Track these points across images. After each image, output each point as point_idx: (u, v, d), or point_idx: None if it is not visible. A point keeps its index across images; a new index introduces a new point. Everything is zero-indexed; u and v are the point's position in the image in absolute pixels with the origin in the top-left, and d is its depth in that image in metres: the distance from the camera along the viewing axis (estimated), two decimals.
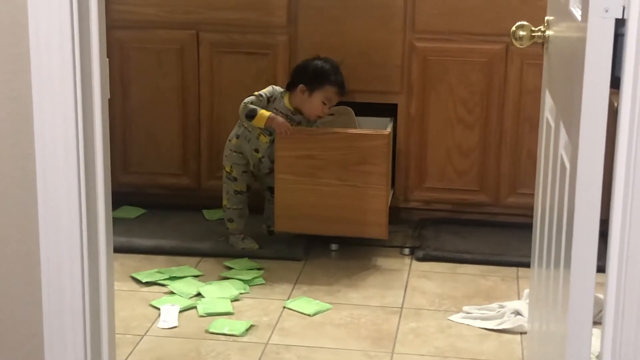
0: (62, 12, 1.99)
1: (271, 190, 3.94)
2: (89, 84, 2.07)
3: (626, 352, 1.82)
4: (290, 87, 3.82)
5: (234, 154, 3.86)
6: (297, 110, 3.81)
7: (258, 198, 4.00)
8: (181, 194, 4.31)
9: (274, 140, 3.81)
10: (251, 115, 3.74)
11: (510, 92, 4.00)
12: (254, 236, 3.94)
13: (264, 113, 3.73)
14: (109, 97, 2.16)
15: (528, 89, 3.97)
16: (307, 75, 3.78)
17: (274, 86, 3.85)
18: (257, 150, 3.85)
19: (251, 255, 3.82)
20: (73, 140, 2.06)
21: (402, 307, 3.43)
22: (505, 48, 3.94)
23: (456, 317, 3.35)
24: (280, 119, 3.74)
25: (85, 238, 2.13)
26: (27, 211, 2.14)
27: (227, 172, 3.89)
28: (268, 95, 3.80)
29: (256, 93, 3.79)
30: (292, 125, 3.79)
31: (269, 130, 3.79)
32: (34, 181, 2.11)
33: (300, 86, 3.77)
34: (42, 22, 2.00)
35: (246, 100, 3.77)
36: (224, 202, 3.90)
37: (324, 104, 3.78)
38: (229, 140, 3.88)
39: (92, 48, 2.05)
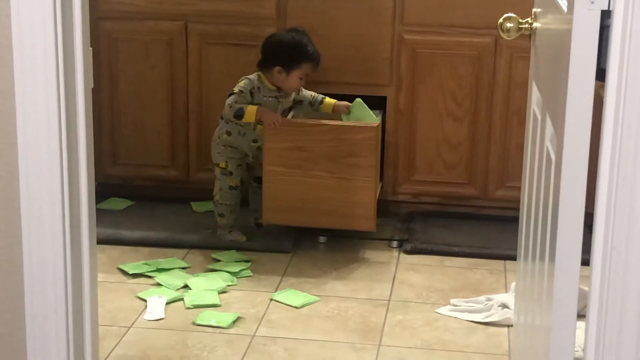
0: (45, 1, 1.98)
1: (258, 180, 3.93)
2: (72, 73, 2.05)
3: (610, 344, 1.82)
4: (263, 66, 3.81)
5: (228, 148, 3.85)
6: (281, 88, 3.82)
7: (244, 190, 3.99)
8: (169, 185, 4.30)
9: (283, 97, 3.84)
10: (239, 115, 3.73)
11: (499, 85, 4.00)
12: (242, 228, 3.93)
13: (251, 109, 3.71)
14: (92, 86, 2.15)
15: (517, 82, 3.97)
16: (281, 56, 3.77)
17: (246, 77, 3.81)
18: (255, 141, 3.84)
19: (239, 248, 3.82)
20: (56, 132, 2.05)
21: (389, 300, 3.43)
22: (494, 41, 3.94)
23: (443, 310, 3.35)
24: (268, 112, 3.72)
25: (68, 230, 2.12)
26: (9, 203, 2.13)
27: (222, 167, 3.87)
28: (249, 88, 3.77)
29: (236, 90, 3.77)
30: (283, 102, 3.79)
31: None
32: (17, 172, 2.10)
33: (277, 68, 3.77)
34: (25, 11, 1.99)
35: (229, 101, 3.75)
36: (216, 198, 3.89)
37: (301, 78, 3.79)
38: (218, 137, 3.85)
39: (75, 37, 2.04)
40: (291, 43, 3.78)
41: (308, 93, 3.92)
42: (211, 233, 3.93)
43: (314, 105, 3.92)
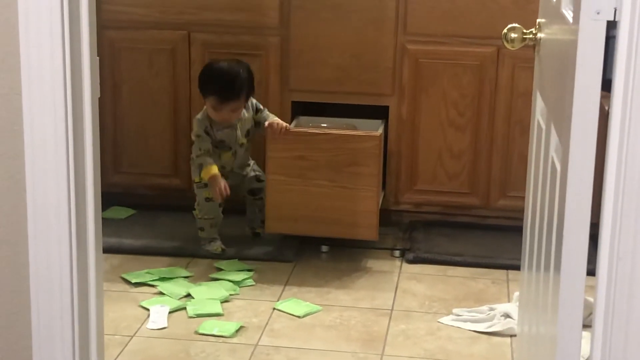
0: (52, 10, 1.99)
1: (252, 192, 3.95)
2: (79, 83, 2.06)
3: (615, 355, 1.82)
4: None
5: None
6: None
7: (241, 201, 4.00)
8: (171, 194, 4.30)
9: (235, 152, 3.84)
10: (199, 170, 3.79)
11: (501, 95, 4.00)
12: (239, 238, 3.93)
13: (207, 171, 3.74)
14: (99, 96, 2.15)
15: (519, 92, 3.97)
16: (198, 81, 3.82)
17: (196, 117, 3.82)
18: (223, 167, 3.85)
19: (237, 257, 3.81)
20: (63, 140, 2.05)
21: (392, 309, 3.43)
22: (496, 51, 3.95)
23: (446, 320, 3.34)
24: (214, 183, 3.73)
25: (75, 239, 2.12)
26: (16, 211, 2.13)
27: (196, 182, 3.86)
28: (203, 128, 3.78)
29: (193, 137, 3.79)
30: (239, 126, 3.80)
31: (228, 145, 3.83)
32: (23, 181, 2.10)
33: (201, 95, 3.81)
34: (32, 21, 2.00)
35: (193, 152, 3.80)
36: (195, 212, 3.88)
37: (216, 109, 3.74)
38: (195, 157, 3.82)
39: (83, 47, 2.05)
40: (205, 71, 3.80)
41: (268, 116, 3.86)
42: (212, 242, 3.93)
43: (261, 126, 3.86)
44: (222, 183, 3.74)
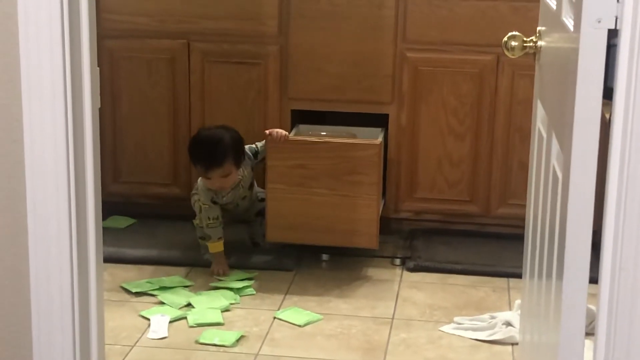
0: (52, 20, 1.98)
1: (259, 213, 3.96)
2: (80, 93, 2.06)
3: None
4: None
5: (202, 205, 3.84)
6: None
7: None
8: (171, 203, 4.29)
9: (237, 205, 3.87)
10: (205, 241, 3.81)
11: (501, 103, 4.00)
12: (239, 247, 3.93)
13: (213, 247, 3.77)
14: (99, 106, 2.15)
15: (519, 100, 3.97)
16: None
17: (200, 186, 3.81)
18: (227, 211, 3.88)
19: (240, 266, 3.81)
20: (63, 150, 2.05)
21: (392, 318, 3.42)
22: (496, 59, 3.95)
23: (447, 328, 3.34)
24: (220, 263, 3.76)
25: (75, 248, 2.12)
26: (16, 221, 2.13)
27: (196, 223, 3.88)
28: (209, 198, 3.79)
29: (200, 205, 3.79)
30: (241, 183, 3.82)
31: (233, 203, 3.86)
32: (24, 191, 2.10)
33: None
34: (32, 31, 2.00)
35: (200, 219, 3.80)
36: (196, 222, 3.87)
37: (208, 178, 3.73)
38: (205, 225, 3.82)
39: (83, 57, 2.05)
40: (191, 141, 3.79)
41: (265, 147, 3.84)
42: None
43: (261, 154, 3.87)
44: (224, 264, 3.77)
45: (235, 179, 3.77)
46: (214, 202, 3.80)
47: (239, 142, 3.75)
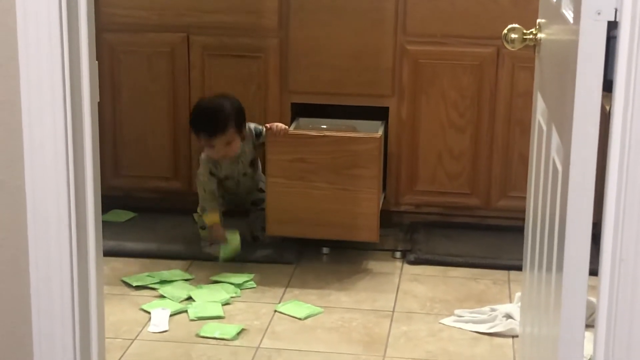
0: (51, 14, 1.98)
1: (254, 202, 3.97)
2: (79, 87, 2.05)
3: (619, 355, 1.81)
4: None
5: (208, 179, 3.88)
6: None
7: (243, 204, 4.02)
8: (171, 197, 4.29)
9: (238, 182, 3.88)
10: (202, 211, 3.85)
11: (501, 95, 4.00)
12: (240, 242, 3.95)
13: (210, 218, 3.82)
14: (98, 100, 2.15)
15: (519, 92, 3.97)
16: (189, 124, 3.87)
17: (201, 157, 3.87)
18: (228, 192, 3.92)
19: (237, 259, 3.81)
20: (62, 144, 2.05)
21: (393, 311, 3.43)
22: (496, 51, 3.94)
23: (448, 321, 3.34)
24: (217, 232, 3.80)
25: (75, 242, 2.12)
26: (16, 215, 2.13)
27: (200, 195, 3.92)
28: (208, 170, 3.84)
29: (200, 176, 3.85)
30: (242, 158, 3.85)
31: (232, 177, 3.88)
32: (23, 185, 2.10)
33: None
34: (31, 25, 1.99)
35: (199, 192, 3.85)
36: (195, 215, 3.93)
37: (211, 147, 3.76)
38: (200, 198, 3.89)
39: (82, 51, 2.04)
40: (192, 112, 3.84)
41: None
42: (213, 245, 3.92)
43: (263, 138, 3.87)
44: (221, 232, 3.80)
45: (238, 147, 3.80)
46: (212, 175, 3.83)
47: (240, 110, 3.79)
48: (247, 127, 3.84)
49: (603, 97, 1.74)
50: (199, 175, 3.87)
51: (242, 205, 4.03)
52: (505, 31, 2.43)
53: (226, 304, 3.44)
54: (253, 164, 3.93)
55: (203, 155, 3.86)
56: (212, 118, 3.73)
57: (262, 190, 3.96)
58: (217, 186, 3.89)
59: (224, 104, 3.76)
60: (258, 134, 3.88)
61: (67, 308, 2.14)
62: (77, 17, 2.03)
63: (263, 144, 3.86)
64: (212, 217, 3.82)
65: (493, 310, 3.38)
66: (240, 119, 3.78)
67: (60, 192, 2.08)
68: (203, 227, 3.89)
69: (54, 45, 2.00)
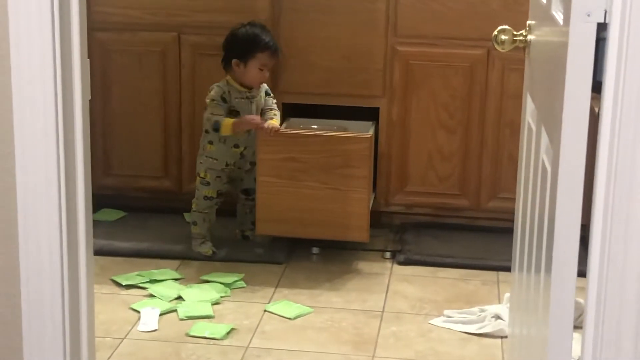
0: (42, 12, 1.98)
1: (246, 192, 3.95)
2: (70, 84, 2.05)
3: (607, 356, 1.82)
4: (225, 64, 3.83)
5: (209, 159, 3.86)
6: (247, 85, 3.82)
7: (233, 201, 4.00)
8: (162, 197, 4.29)
9: (249, 130, 3.83)
10: (216, 128, 3.77)
11: (491, 97, 4.01)
12: (228, 241, 3.94)
13: (226, 123, 3.75)
14: (89, 98, 2.15)
15: (509, 94, 3.98)
16: (236, 48, 3.80)
17: (215, 84, 3.83)
18: (237, 146, 3.85)
19: (228, 259, 3.81)
20: (53, 141, 2.05)
21: (383, 311, 3.43)
22: (486, 53, 3.95)
23: (437, 321, 3.35)
24: (242, 120, 3.76)
25: (65, 241, 2.12)
26: (6, 213, 2.12)
27: (201, 177, 3.89)
28: (220, 94, 3.80)
29: (208, 100, 3.80)
30: (256, 101, 3.83)
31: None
32: (14, 183, 2.09)
33: (234, 61, 3.79)
34: (23, 22, 1.99)
35: (206, 114, 3.80)
36: (193, 206, 3.91)
37: (261, 70, 3.79)
38: (202, 149, 3.87)
39: (73, 48, 2.04)
40: (244, 34, 3.81)
41: (271, 106, 3.89)
42: (202, 244, 3.92)
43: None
44: (246, 119, 3.77)
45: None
46: (224, 100, 3.79)
47: None
48: None
49: (592, 98, 1.75)
50: (209, 99, 3.79)
51: (239, 183, 3.97)
52: (495, 32, 2.44)
53: (216, 303, 3.45)
54: (262, 114, 3.88)
55: (218, 83, 3.80)
56: (273, 38, 3.80)
57: (253, 164, 3.94)
58: (218, 163, 3.85)
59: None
60: (267, 93, 3.91)
61: (57, 307, 2.14)
62: (69, 14, 2.03)
63: (263, 112, 3.87)
64: (227, 123, 3.74)
65: (482, 310, 3.39)
66: None
67: (51, 190, 2.08)
68: (195, 223, 3.89)
69: (45, 42, 2.00)
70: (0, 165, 2.10)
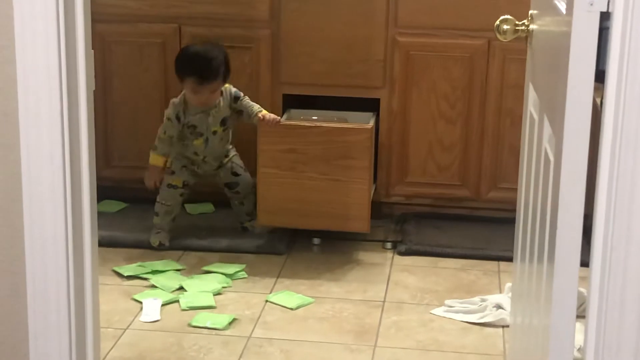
0: (47, 4, 1.98)
1: (228, 185, 3.96)
2: (75, 75, 2.06)
3: (609, 345, 1.83)
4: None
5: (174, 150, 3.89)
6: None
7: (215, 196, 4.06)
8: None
9: (207, 140, 3.84)
10: (152, 148, 3.85)
11: (492, 87, 4.01)
12: (230, 232, 3.93)
13: (153, 158, 3.84)
14: (94, 88, 2.16)
15: (510, 84, 3.98)
16: (175, 68, 3.84)
17: (172, 100, 3.86)
18: (195, 154, 3.88)
19: (229, 250, 3.81)
20: (58, 133, 2.05)
21: (384, 301, 3.44)
22: (487, 43, 3.95)
23: (438, 311, 3.36)
24: (153, 175, 3.85)
25: (70, 232, 2.12)
26: (12, 204, 2.13)
27: (167, 167, 3.91)
28: (174, 113, 3.82)
29: (164, 117, 3.84)
30: (214, 114, 3.82)
31: (199, 131, 3.84)
32: (19, 175, 2.10)
33: (178, 79, 3.83)
34: (28, 13, 1.99)
35: (160, 129, 3.84)
36: (158, 197, 3.92)
37: (196, 93, 3.77)
38: (157, 137, 3.89)
39: (78, 40, 2.05)
40: (180, 55, 3.83)
41: (248, 104, 3.86)
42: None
43: (251, 117, 3.83)
44: (158, 178, 3.84)
45: (217, 97, 3.81)
46: (178, 120, 3.81)
47: (228, 59, 3.81)
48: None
49: (595, 88, 1.75)
50: (165, 117, 3.84)
51: (209, 178, 3.98)
52: (497, 22, 2.44)
53: (217, 294, 3.45)
54: (224, 123, 3.87)
55: (176, 99, 3.83)
56: (205, 64, 3.74)
57: (236, 174, 3.95)
58: (183, 156, 3.88)
59: (216, 52, 3.77)
60: (237, 97, 3.87)
61: (63, 297, 2.15)
62: (74, 5, 2.03)
63: (240, 112, 3.85)
64: (156, 159, 3.82)
65: (483, 300, 3.40)
66: (228, 70, 3.80)
67: (56, 181, 2.08)
68: (157, 214, 3.90)
69: (50, 33, 2.00)
70: (5, 156, 2.10)
